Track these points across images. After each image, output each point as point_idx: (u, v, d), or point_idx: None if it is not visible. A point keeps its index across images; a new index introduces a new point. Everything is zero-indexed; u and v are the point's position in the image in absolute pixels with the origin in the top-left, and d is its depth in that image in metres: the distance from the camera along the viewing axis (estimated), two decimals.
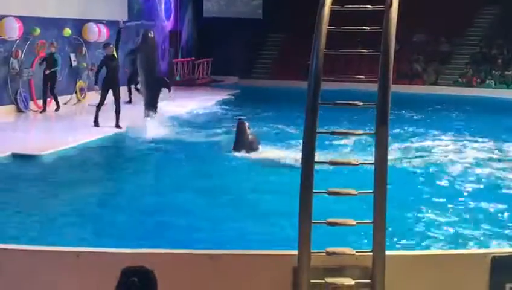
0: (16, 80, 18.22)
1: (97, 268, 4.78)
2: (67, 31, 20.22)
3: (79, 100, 20.68)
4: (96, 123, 15.98)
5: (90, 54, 21.59)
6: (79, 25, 21.05)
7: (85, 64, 21.27)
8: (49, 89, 18.65)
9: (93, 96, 21.17)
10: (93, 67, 21.53)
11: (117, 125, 15.98)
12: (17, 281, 4.94)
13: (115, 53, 16.32)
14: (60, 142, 14.02)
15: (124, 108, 16.74)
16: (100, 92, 16.14)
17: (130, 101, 20.49)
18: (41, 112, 18.44)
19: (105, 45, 16.96)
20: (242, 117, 14.58)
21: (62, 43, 20.22)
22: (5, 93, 18.03)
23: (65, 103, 19.97)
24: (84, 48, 21.18)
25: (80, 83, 21.07)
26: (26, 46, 18.41)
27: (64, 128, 15.84)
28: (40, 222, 9.24)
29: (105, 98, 16.03)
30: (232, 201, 10.29)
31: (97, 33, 21.28)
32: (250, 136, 13.55)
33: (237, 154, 13.35)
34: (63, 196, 10.59)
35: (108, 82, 16.05)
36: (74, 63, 20.87)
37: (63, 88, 19.91)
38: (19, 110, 18.24)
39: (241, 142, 13.44)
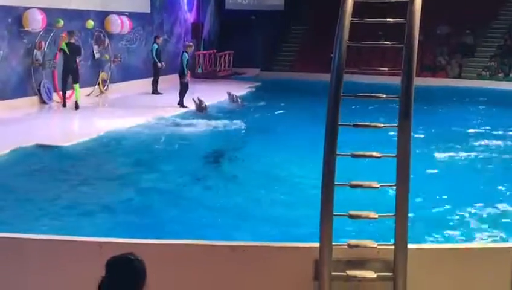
0: (39, 72, 18.35)
1: None
2: (90, 23, 20.31)
3: (101, 92, 20.78)
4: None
5: (113, 46, 21.70)
6: (102, 16, 21.15)
7: (107, 56, 21.36)
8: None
9: (116, 88, 21.39)
10: (116, 59, 21.71)
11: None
12: (40, 270, 4.99)
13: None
14: (83, 133, 14.10)
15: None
16: None
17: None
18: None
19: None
20: None
21: (85, 34, 20.34)
22: (29, 85, 18.16)
23: (88, 95, 20.09)
24: (106, 40, 21.28)
25: (103, 75, 21.16)
26: (50, 37, 18.53)
27: (87, 120, 15.91)
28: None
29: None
30: None
31: (120, 25, 21.37)
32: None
33: None
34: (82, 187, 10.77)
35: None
36: (97, 55, 20.97)
37: (85, 80, 20.02)
38: (42, 102, 18.37)
39: None
